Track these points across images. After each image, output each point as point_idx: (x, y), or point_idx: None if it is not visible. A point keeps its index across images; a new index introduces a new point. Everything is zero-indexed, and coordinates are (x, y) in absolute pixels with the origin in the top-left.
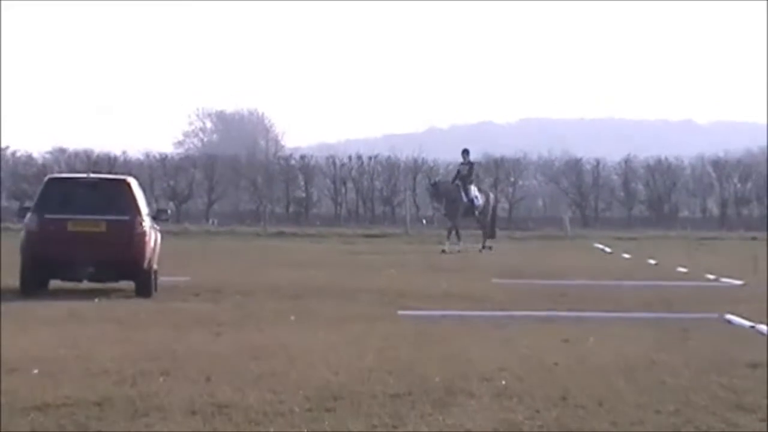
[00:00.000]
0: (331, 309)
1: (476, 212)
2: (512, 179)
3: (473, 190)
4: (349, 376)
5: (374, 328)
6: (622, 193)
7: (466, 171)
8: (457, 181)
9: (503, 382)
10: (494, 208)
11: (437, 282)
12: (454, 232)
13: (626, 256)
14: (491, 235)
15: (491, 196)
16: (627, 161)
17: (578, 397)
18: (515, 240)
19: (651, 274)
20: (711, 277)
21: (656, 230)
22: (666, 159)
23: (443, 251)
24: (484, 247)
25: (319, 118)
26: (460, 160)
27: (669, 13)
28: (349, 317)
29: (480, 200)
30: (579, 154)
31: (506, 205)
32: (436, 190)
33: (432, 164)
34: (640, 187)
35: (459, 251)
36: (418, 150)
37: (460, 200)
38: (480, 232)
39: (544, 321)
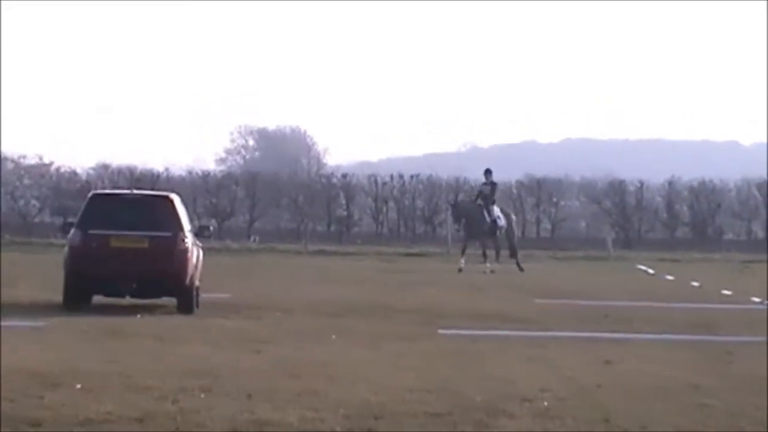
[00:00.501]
0: (371, 327)
1: (498, 233)
2: (554, 200)
3: (495, 210)
4: (389, 396)
5: (414, 347)
6: (665, 215)
7: (488, 191)
8: (479, 201)
9: (545, 404)
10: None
11: (478, 301)
12: (481, 253)
13: (669, 277)
14: (513, 254)
15: (512, 216)
16: (671, 183)
17: (620, 419)
18: (557, 260)
19: (694, 296)
20: (756, 300)
21: (700, 252)
22: (710, 180)
23: (459, 270)
24: (520, 267)
25: (360, 136)
26: (505, 179)
27: (715, 34)
28: (389, 336)
29: (503, 220)
30: (622, 175)
31: (548, 226)
32: (456, 209)
33: (473, 184)
34: (684, 208)
35: (484, 273)
36: (460, 169)
37: (482, 220)
38: (507, 252)
39: (586, 342)
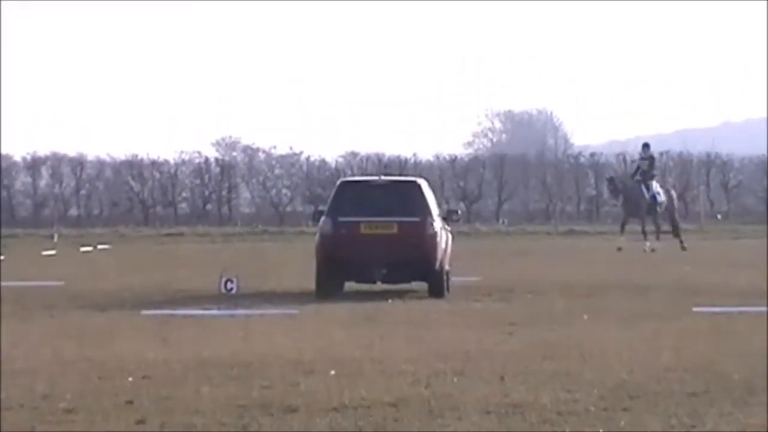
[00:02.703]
0: (625, 306)
1: (658, 209)
2: None
3: (655, 186)
4: (645, 375)
5: (669, 326)
6: None
7: (647, 166)
8: (638, 177)
9: None
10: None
11: (734, 278)
12: (641, 230)
13: None
14: (676, 234)
15: (673, 193)
16: None
17: None
18: None
19: None
20: None
21: None
22: None
23: (619, 249)
24: (683, 246)
25: (608, 115)
26: (760, 153)
27: None
28: (643, 315)
29: (662, 197)
30: None
31: None
32: (612, 185)
33: (725, 159)
34: None
35: (653, 251)
36: (712, 145)
37: (641, 197)
38: (669, 230)
39: None
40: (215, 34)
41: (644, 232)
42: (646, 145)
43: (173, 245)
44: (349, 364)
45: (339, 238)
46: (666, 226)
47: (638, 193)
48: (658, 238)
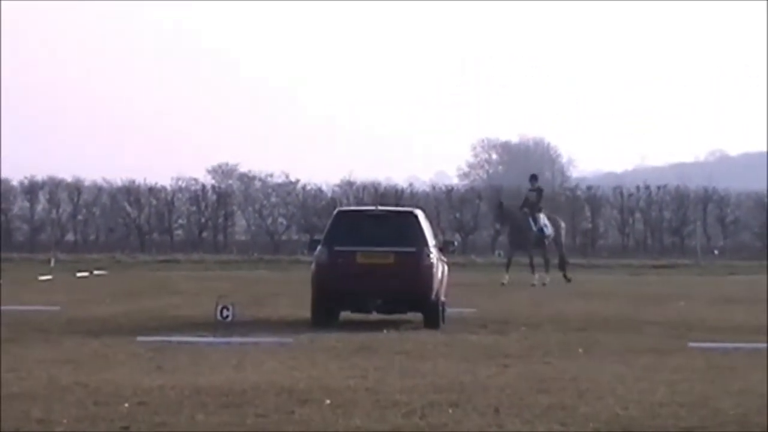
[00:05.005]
0: (620, 341)
1: (546, 242)
2: None
3: (542, 218)
4: (640, 410)
5: (664, 361)
6: None
7: (535, 198)
8: (525, 209)
9: None
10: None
11: (729, 313)
12: (528, 264)
13: None
14: (562, 266)
15: (561, 224)
16: None
17: None
18: None
19: None
20: None
21: None
22: None
23: (502, 284)
24: (567, 278)
25: (605, 147)
26: (757, 188)
27: None
28: (638, 350)
29: (549, 229)
30: None
31: None
32: (501, 211)
33: (723, 193)
34: None
35: (533, 285)
36: (708, 179)
37: (528, 230)
38: (556, 262)
39: None
40: (212, 61)
41: (532, 266)
42: (533, 177)
43: (169, 272)
44: (344, 393)
45: (335, 268)
46: (555, 259)
47: (526, 225)
48: (547, 271)
